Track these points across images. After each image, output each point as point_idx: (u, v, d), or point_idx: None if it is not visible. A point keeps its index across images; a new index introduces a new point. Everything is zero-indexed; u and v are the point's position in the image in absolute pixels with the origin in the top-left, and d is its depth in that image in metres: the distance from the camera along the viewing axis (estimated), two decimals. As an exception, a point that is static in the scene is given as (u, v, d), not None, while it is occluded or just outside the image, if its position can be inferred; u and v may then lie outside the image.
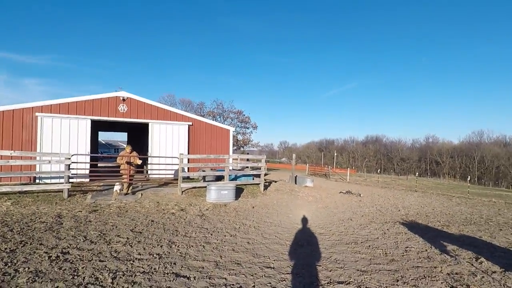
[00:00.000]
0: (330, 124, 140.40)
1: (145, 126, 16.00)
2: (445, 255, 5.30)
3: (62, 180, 10.28)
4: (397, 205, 11.81)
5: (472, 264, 4.83)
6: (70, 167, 9.52)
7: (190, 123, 15.69)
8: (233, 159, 16.98)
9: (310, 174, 34.04)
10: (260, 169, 12.84)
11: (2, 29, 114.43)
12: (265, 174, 20.05)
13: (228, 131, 16.88)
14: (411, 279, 4.15)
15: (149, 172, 14.47)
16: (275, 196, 11.80)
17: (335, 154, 69.87)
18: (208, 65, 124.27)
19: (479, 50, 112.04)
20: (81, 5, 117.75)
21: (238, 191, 11.24)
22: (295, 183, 15.69)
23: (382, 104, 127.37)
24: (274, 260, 4.78)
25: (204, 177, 12.60)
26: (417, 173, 35.01)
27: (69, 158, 9.32)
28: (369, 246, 5.83)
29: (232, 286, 3.74)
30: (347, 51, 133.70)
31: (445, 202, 13.62)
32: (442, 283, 4.05)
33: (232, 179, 12.73)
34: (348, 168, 38.02)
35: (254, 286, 3.78)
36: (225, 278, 3.96)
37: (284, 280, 4.02)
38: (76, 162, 10.91)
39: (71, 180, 10.32)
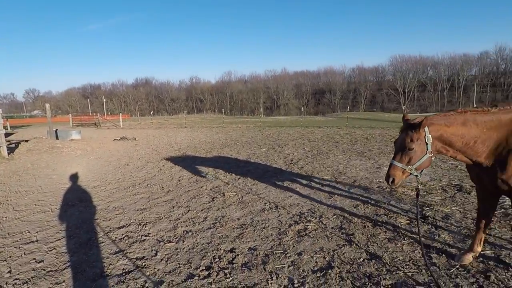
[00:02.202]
0: (94, 66, 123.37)
1: None
2: (208, 176, 6.50)
3: None
4: (170, 143, 12.82)
5: (226, 177, 6.27)
6: None
7: None
8: None
9: (76, 125, 29.58)
10: (-5, 128, 9.55)
11: None
12: (9, 134, 15.39)
13: None
14: (184, 202, 4.84)
15: None
16: (29, 158, 9.45)
17: (104, 100, 63.83)
18: None
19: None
20: None
21: (-38, 163, 8.02)
22: (57, 139, 13.16)
23: (151, 44, 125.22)
24: (37, 232, 4.00)
25: None
26: (185, 111, 38.87)
27: None
28: (147, 185, 6.11)
29: (-27, 284, 2.83)
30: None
31: (208, 133, 16.29)
32: (206, 197, 5.02)
33: None
34: (121, 114, 36.18)
35: (10, 271, 3.05)
36: (-42, 280, 2.91)
37: (54, 248, 3.51)
38: None
39: None
